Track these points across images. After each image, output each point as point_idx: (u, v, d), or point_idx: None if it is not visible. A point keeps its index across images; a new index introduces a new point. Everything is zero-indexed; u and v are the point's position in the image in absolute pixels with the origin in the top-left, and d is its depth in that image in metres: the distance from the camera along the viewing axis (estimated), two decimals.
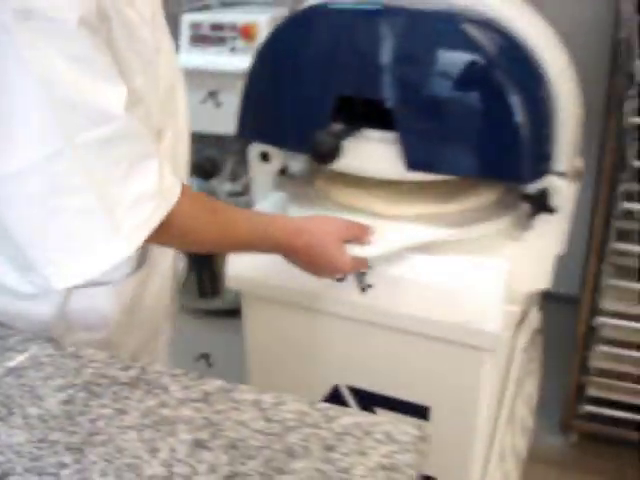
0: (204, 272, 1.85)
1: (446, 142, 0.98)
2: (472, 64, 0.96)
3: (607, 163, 1.46)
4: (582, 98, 1.18)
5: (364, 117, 1.03)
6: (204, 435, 0.58)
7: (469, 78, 0.97)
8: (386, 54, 0.98)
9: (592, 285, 1.53)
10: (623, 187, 1.45)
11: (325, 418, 0.60)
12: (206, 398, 0.63)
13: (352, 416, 0.60)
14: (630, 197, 1.48)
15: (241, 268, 1.12)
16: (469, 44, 0.97)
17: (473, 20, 1.00)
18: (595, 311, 1.56)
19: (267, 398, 0.62)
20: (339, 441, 0.57)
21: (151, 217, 0.70)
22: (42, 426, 0.60)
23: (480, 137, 0.98)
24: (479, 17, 1.01)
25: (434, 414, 1.09)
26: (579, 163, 1.14)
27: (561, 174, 1.04)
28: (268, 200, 1.22)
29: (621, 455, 1.77)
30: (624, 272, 1.58)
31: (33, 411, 0.62)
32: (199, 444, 0.57)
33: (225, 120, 1.89)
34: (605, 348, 1.56)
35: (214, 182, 1.19)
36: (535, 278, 1.08)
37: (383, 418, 0.60)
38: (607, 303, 1.54)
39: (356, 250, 0.96)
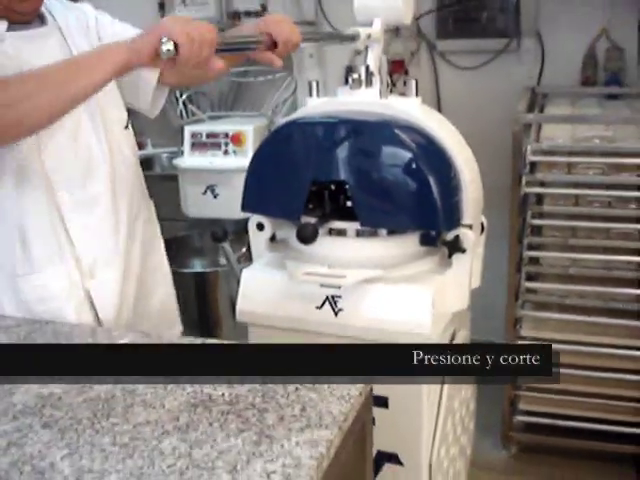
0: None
1: (387, 207, 1.45)
2: (403, 156, 1.44)
3: (513, 222, 1.95)
4: (491, 176, 1.67)
5: (332, 211, 1.52)
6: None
7: (401, 165, 1.44)
8: (343, 151, 1.46)
9: (511, 317, 1.99)
10: (527, 240, 1.94)
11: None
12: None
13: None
14: (534, 247, 1.97)
15: (247, 304, 1.55)
16: (400, 143, 1.44)
17: (402, 126, 1.48)
18: (516, 338, 2.01)
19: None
20: (320, 386, 1.01)
21: None
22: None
23: (409, 203, 1.44)
24: (406, 124, 1.50)
25: (392, 403, 1.50)
26: (483, 219, 1.62)
27: (468, 226, 1.51)
28: (264, 258, 1.66)
29: (558, 463, 2.17)
30: (541, 306, 2.06)
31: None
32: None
33: (221, 207, 2.37)
34: None
35: (225, 245, 1.64)
36: (455, 301, 1.53)
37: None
38: (524, 331, 1.99)
39: (333, 280, 1.41)
